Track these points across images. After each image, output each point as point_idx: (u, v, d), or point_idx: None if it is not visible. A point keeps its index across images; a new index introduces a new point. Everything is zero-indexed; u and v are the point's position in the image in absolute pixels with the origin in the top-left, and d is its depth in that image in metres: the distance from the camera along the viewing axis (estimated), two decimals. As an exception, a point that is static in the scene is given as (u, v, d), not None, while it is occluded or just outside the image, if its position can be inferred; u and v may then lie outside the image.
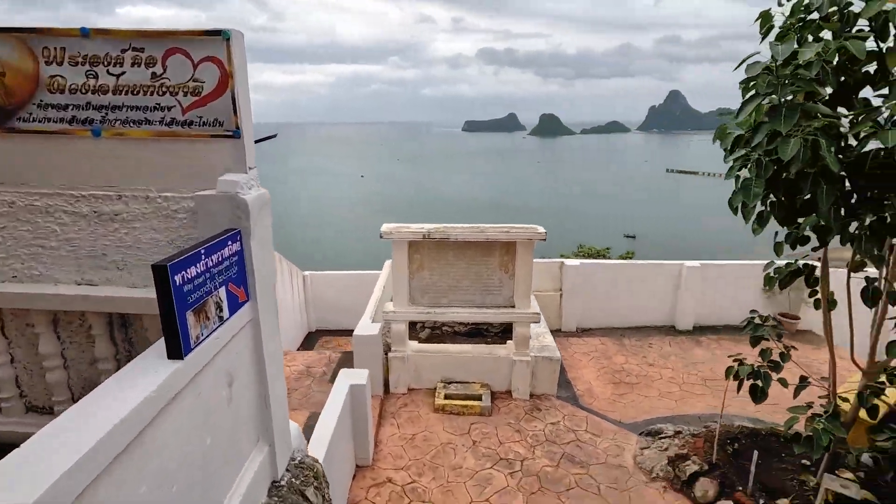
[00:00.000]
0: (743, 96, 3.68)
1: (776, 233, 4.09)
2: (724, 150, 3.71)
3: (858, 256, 3.81)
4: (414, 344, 6.70)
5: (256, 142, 2.61)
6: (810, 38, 3.38)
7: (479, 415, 5.98)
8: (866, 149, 3.24)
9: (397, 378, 6.42)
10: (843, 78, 3.35)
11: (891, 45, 3.21)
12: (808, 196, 3.34)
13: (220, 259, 2.10)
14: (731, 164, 3.60)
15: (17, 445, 1.31)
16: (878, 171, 3.20)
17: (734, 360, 4.44)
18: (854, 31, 3.31)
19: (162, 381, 1.66)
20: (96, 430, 1.38)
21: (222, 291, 2.13)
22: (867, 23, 3.25)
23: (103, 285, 2.58)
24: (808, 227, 3.85)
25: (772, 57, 3.14)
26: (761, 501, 4.32)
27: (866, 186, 3.29)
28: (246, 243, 2.30)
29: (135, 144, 2.38)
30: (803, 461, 4.72)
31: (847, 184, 3.41)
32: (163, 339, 1.91)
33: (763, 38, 3.67)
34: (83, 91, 2.33)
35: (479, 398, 6.15)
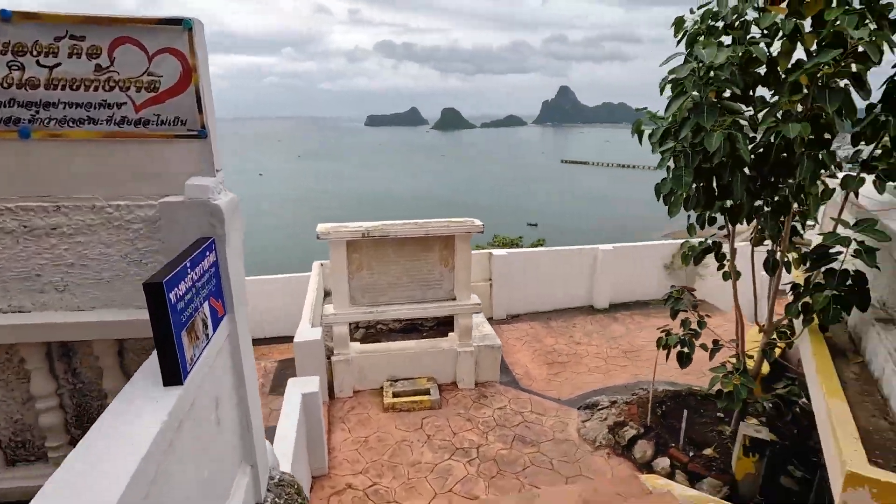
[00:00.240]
0: (662, 93, 4.09)
1: (689, 216, 4.60)
2: (652, 143, 4.10)
3: (758, 234, 4.43)
4: (356, 345, 6.56)
5: None
6: (721, 42, 3.84)
7: (430, 408, 6.04)
8: (765, 140, 3.78)
9: (342, 381, 6.25)
10: (745, 79, 3.85)
11: (779, 49, 3.76)
12: (725, 182, 3.81)
13: (202, 272, 1.93)
14: (661, 155, 3.99)
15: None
16: (777, 160, 3.74)
17: (662, 332, 4.94)
18: (748, 38, 3.82)
19: (171, 408, 1.50)
20: (118, 475, 1.22)
21: (206, 307, 1.95)
22: (759, 31, 3.78)
23: (38, 311, 2.23)
24: (718, 210, 4.40)
25: (696, 58, 3.52)
26: (691, 454, 4.88)
27: (768, 173, 3.83)
28: (221, 252, 2.13)
29: (76, 147, 2.08)
30: (718, 414, 5.40)
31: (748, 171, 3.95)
32: (144, 365, 1.74)
33: (679, 42, 4.11)
34: (5, 85, 1.98)
35: (427, 392, 6.20)
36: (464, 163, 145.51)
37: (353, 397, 6.28)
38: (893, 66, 3.57)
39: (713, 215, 4.55)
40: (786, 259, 4.34)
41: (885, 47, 3.25)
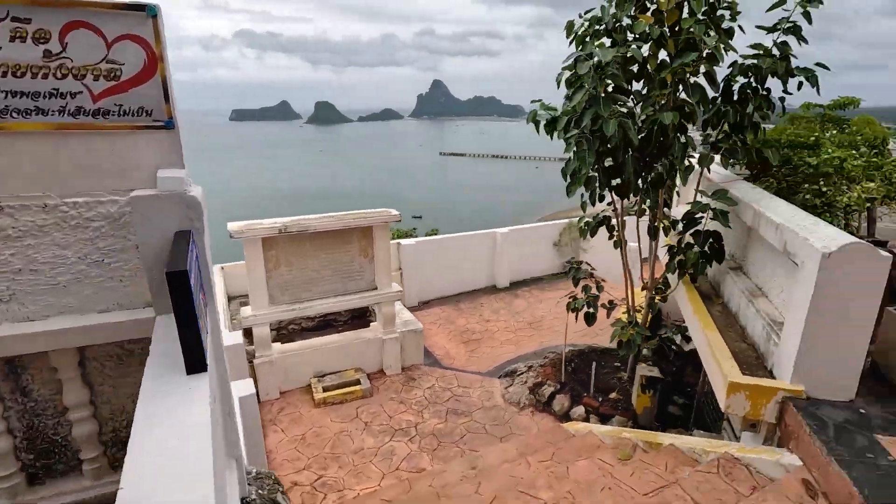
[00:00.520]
0: (561, 86, 4.68)
1: (581, 194, 5.30)
2: (548, 131, 4.68)
3: (641, 206, 5.28)
4: (278, 346, 6.36)
5: None
6: (605, 42, 4.50)
7: (362, 398, 6.12)
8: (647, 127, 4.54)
9: (267, 384, 6.04)
10: (625, 74, 4.57)
11: (648, 52, 4.52)
12: (618, 163, 4.51)
13: (195, 263, 1.91)
14: (565, 142, 4.57)
15: None
16: (655, 143, 4.52)
17: (570, 298, 5.63)
18: (626, 41, 4.54)
19: (209, 392, 1.53)
20: (203, 469, 1.25)
21: (201, 297, 1.94)
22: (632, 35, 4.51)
23: (-24, 326, 1.98)
24: (607, 188, 5.13)
25: (591, 56, 4.11)
26: (600, 399, 5.66)
27: (648, 154, 4.61)
28: (200, 245, 2.11)
29: (22, 140, 1.89)
30: (616, 364, 6.30)
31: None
32: (149, 361, 1.73)
33: (570, 43, 4.70)
34: (-73, 71, 1.75)
35: (357, 382, 6.27)
36: (342, 157, 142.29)
37: (281, 398, 6.11)
38: (729, 67, 4.54)
39: (602, 193, 5.30)
40: (662, 226, 5.24)
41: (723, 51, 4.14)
